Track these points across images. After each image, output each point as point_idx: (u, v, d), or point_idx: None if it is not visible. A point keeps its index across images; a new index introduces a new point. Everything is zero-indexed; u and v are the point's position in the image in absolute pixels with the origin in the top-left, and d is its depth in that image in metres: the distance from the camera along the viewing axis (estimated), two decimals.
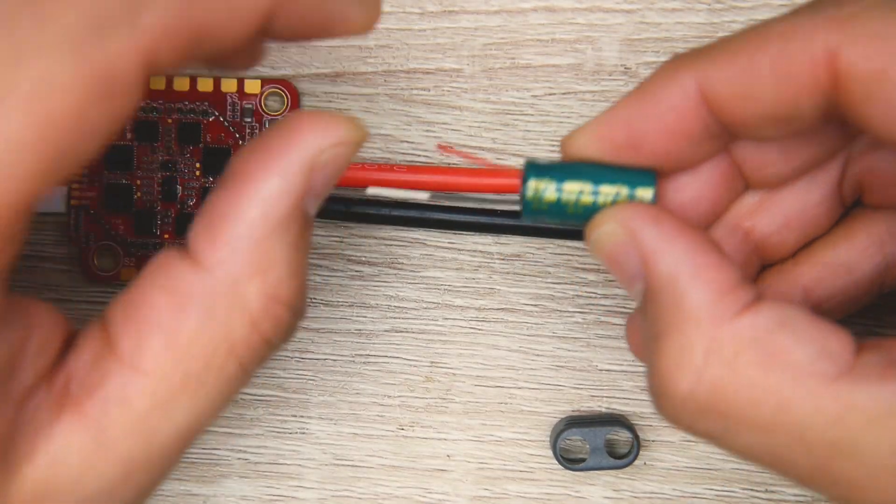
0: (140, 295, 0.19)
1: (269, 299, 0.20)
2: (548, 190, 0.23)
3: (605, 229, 0.22)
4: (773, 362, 0.19)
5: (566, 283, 0.30)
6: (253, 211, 0.19)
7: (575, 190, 0.23)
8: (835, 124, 0.23)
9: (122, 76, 0.16)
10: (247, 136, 0.29)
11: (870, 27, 0.20)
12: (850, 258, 0.25)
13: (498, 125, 0.29)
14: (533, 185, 0.23)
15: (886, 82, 0.19)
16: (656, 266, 0.21)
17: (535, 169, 0.23)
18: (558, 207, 0.23)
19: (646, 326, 0.21)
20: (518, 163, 0.29)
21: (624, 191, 0.23)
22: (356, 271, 0.30)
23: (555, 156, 0.29)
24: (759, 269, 0.25)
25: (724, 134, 0.23)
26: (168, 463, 0.20)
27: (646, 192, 0.23)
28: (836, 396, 0.19)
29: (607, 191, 0.23)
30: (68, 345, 0.20)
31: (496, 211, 0.29)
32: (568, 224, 0.24)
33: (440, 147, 0.26)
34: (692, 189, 0.24)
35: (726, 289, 0.20)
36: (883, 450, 0.19)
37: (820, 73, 0.20)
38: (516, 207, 0.24)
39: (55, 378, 0.19)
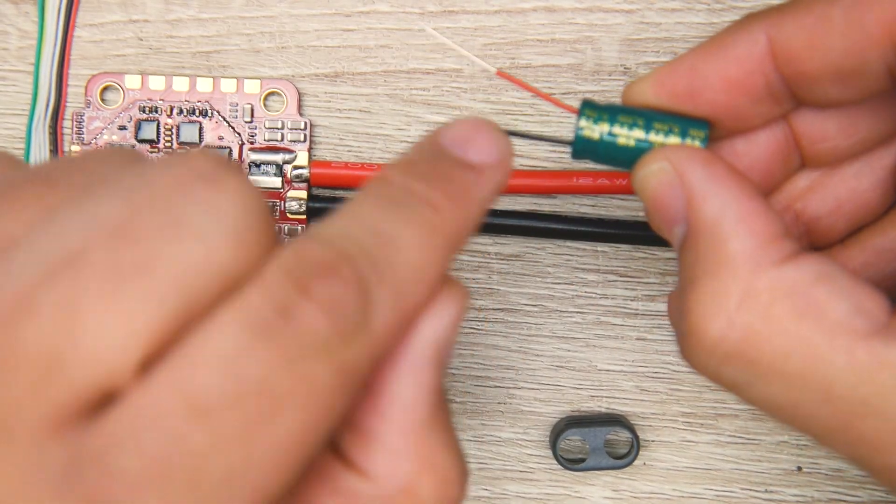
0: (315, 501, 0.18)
1: (442, 485, 0.19)
2: (600, 123, 0.23)
3: (653, 167, 0.22)
4: (808, 314, 0.19)
5: (566, 284, 0.30)
6: (401, 420, 0.19)
7: (627, 123, 0.23)
8: (893, 102, 0.23)
9: (359, 376, 0.17)
10: (246, 137, 0.29)
11: None
12: None
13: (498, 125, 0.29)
14: (586, 117, 0.23)
15: None
16: (701, 208, 0.21)
17: (590, 105, 0.23)
18: (609, 143, 0.23)
19: (682, 271, 0.21)
20: (521, 163, 0.29)
21: (676, 130, 0.23)
22: None
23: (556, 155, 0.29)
24: None
25: (784, 98, 0.22)
26: None
27: (698, 133, 0.22)
28: (868, 353, 0.19)
29: (660, 127, 0.23)
30: None
31: (496, 211, 0.29)
32: (616, 165, 0.23)
33: (499, 73, 0.25)
34: (746, 157, 0.24)
35: (769, 238, 0.20)
36: None
37: (892, 25, 0.20)
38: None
39: None
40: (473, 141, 0.20)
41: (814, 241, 0.25)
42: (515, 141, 0.29)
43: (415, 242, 0.18)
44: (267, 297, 0.16)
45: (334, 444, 0.19)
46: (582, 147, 0.23)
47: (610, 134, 0.23)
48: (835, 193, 0.25)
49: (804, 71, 0.21)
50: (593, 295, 0.30)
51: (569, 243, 0.30)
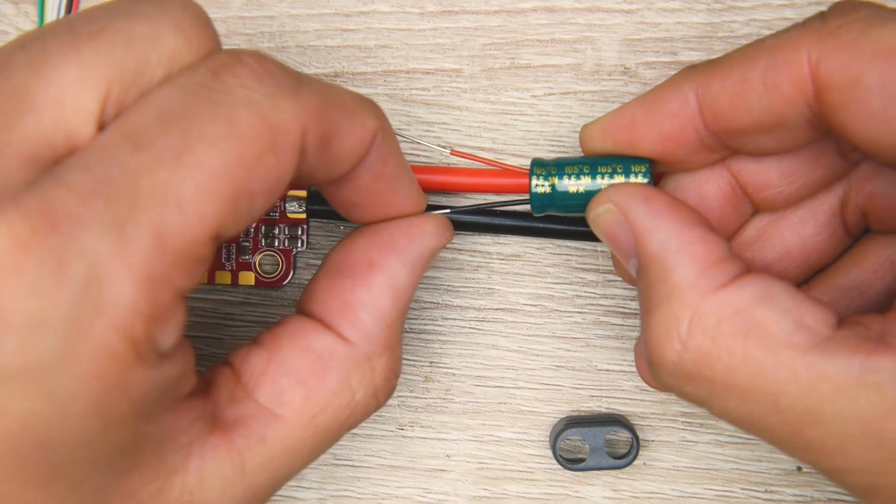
0: (280, 352, 0.23)
1: (390, 372, 0.24)
2: (550, 178, 0.25)
3: (600, 209, 0.23)
4: (752, 333, 0.21)
5: (565, 284, 0.30)
6: (388, 300, 0.23)
7: (574, 173, 0.25)
8: (830, 149, 0.24)
9: (287, 136, 0.19)
10: None
11: (847, 38, 0.21)
12: (861, 281, 0.26)
13: (498, 125, 0.29)
14: (536, 175, 0.25)
15: (860, 89, 0.20)
16: (646, 243, 0.22)
17: (538, 164, 0.25)
18: (562, 194, 0.25)
19: (640, 301, 0.23)
20: (517, 162, 0.29)
21: (619, 169, 0.24)
22: None
23: (557, 156, 0.29)
24: None
25: (718, 147, 0.24)
26: (266, 502, 0.23)
27: (640, 168, 0.24)
28: (808, 366, 0.20)
29: (604, 170, 0.24)
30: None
31: (496, 211, 0.29)
32: (574, 211, 0.25)
33: (454, 153, 0.27)
34: (699, 208, 0.25)
35: (711, 263, 0.21)
36: (849, 418, 0.20)
37: (804, 84, 0.21)
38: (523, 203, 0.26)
39: (206, 402, 0.21)
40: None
41: None
42: (514, 141, 0.29)
43: (349, 98, 0.22)
44: (204, 66, 0.19)
45: (312, 315, 0.23)
46: (539, 203, 0.25)
47: (561, 185, 0.25)
48: (781, 240, 0.26)
49: (730, 127, 0.23)
50: (593, 295, 0.30)
51: (569, 243, 0.30)
